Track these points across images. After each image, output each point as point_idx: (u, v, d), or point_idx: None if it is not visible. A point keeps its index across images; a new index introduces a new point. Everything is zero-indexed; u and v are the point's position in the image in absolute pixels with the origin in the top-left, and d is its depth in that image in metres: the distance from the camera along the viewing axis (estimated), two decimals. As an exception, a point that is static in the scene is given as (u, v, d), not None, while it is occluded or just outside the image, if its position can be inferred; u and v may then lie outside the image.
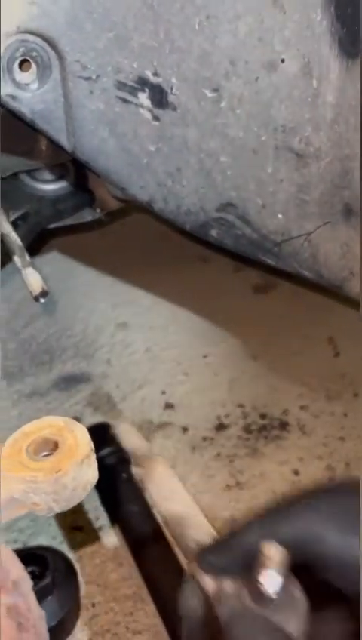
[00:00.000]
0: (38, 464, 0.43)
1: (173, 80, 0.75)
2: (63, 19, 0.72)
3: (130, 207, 1.04)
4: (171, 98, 0.77)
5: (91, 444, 0.45)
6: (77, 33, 0.73)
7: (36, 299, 0.74)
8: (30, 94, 0.76)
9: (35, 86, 0.76)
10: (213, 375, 1.24)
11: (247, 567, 0.39)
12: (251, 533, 0.40)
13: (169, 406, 1.18)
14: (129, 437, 0.68)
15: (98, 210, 1.02)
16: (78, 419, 0.80)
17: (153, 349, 1.30)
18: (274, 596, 0.38)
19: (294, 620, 0.39)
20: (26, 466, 0.43)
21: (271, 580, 0.38)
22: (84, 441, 0.45)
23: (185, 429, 1.12)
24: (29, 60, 0.74)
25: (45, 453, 0.44)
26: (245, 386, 1.18)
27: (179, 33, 0.72)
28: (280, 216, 0.82)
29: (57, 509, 0.44)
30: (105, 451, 0.97)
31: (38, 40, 0.73)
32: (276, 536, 0.39)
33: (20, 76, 0.75)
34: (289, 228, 0.83)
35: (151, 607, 0.79)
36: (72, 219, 1.01)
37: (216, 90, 0.75)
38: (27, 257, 0.76)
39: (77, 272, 1.39)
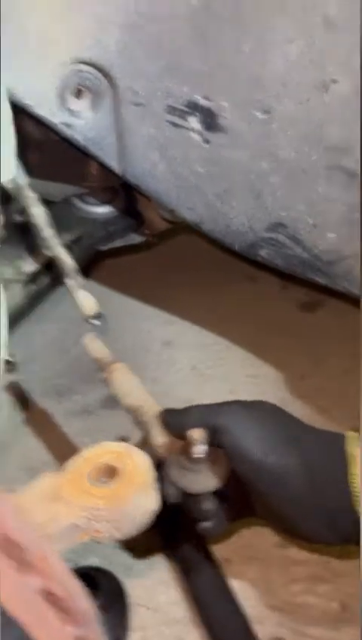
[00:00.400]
0: (99, 491, 0.43)
1: (224, 103, 0.76)
2: (115, 48, 0.74)
3: (178, 228, 1.04)
4: (221, 121, 0.77)
5: (151, 471, 0.46)
6: (128, 61, 0.75)
7: (89, 321, 0.75)
8: (83, 122, 0.78)
9: (88, 114, 0.78)
10: (260, 394, 1.22)
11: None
12: (192, 413, 0.62)
13: (216, 426, 1.17)
14: (93, 346, 0.74)
15: (147, 232, 1.03)
16: (126, 438, 0.81)
17: (199, 367, 1.29)
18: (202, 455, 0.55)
19: (218, 469, 0.55)
20: (87, 492, 0.43)
21: (199, 447, 0.55)
22: (143, 468, 0.45)
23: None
24: (83, 88, 0.76)
25: (105, 479, 0.45)
26: (293, 406, 1.16)
27: (230, 58, 0.73)
28: (331, 235, 0.81)
29: (119, 537, 0.44)
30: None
31: (92, 69, 0.75)
32: (203, 421, 0.59)
33: (75, 105, 0.77)
34: (340, 247, 0.82)
35: (201, 632, 0.78)
36: (122, 240, 1.03)
37: (267, 112, 0.75)
38: (80, 279, 0.77)
39: (125, 292, 1.40)
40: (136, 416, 0.64)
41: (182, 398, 1.23)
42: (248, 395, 1.21)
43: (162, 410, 0.65)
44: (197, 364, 1.28)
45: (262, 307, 1.35)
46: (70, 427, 1.17)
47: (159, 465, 0.53)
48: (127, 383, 0.68)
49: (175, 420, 0.61)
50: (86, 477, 0.44)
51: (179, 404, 1.22)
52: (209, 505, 0.54)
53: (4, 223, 0.92)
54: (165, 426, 0.60)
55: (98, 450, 0.44)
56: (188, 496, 0.54)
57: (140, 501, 0.44)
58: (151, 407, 0.65)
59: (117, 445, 0.46)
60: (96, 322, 0.74)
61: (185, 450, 0.55)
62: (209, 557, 0.74)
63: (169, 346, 1.32)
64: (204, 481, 0.54)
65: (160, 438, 0.57)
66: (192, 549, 0.72)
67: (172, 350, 1.31)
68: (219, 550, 0.79)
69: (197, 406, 0.63)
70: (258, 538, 0.81)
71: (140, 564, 0.88)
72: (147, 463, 0.46)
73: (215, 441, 0.56)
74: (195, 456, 0.54)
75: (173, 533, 0.71)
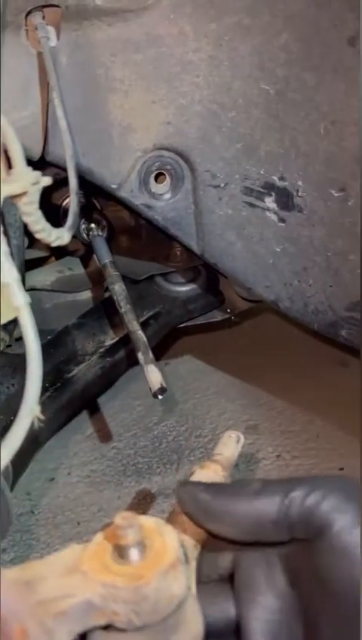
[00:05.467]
0: (120, 568, 0.40)
1: (299, 183, 0.76)
2: (195, 134, 0.78)
3: (261, 307, 1.03)
4: (297, 200, 0.77)
5: (180, 552, 0.42)
6: (207, 146, 0.78)
7: (155, 395, 0.74)
8: (163, 203, 0.82)
9: (168, 196, 0.81)
10: (351, 490, 1.11)
11: None
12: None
13: (300, 520, 1.08)
14: (228, 444, 0.59)
15: (228, 311, 1.03)
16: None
17: (284, 456, 1.22)
18: None
19: None
20: (108, 568, 0.40)
21: None
22: (172, 548, 0.42)
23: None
24: (164, 172, 0.80)
25: (130, 556, 0.41)
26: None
27: (305, 139, 0.74)
28: None
29: (138, 623, 0.40)
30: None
31: (172, 155, 0.79)
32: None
33: (155, 187, 0.81)
34: None
35: None
36: (203, 318, 1.03)
37: (342, 189, 0.74)
38: (150, 355, 0.77)
39: (209, 371, 1.39)
40: None
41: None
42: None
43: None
44: (283, 453, 1.21)
45: (354, 396, 1.26)
46: (145, 509, 1.14)
47: None
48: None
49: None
50: (110, 552, 0.42)
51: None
52: None
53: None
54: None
55: (125, 522, 0.41)
56: None
57: (163, 584, 0.40)
58: None
59: (148, 520, 0.43)
60: (160, 397, 0.73)
61: None
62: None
63: (254, 431, 1.27)
64: None
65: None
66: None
67: (256, 435, 1.26)
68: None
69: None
70: None
71: None
72: (177, 543, 0.42)
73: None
74: None
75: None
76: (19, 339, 0.86)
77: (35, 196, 0.45)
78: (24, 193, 0.45)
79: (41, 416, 0.43)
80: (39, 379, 0.43)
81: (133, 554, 0.41)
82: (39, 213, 0.46)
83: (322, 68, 0.71)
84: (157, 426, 1.32)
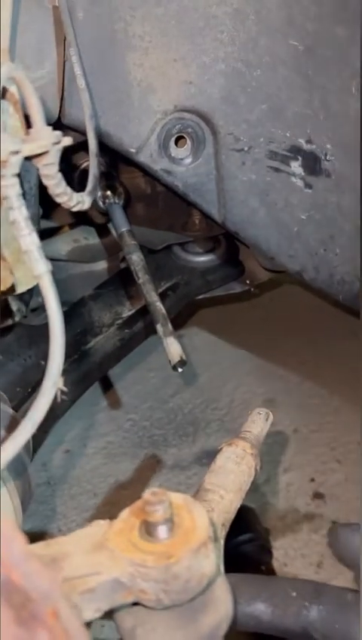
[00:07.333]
0: (149, 546, 0.39)
1: (328, 146, 0.72)
2: (218, 95, 0.74)
3: (281, 278, 1.00)
4: (325, 165, 0.73)
5: (210, 530, 0.40)
6: (231, 107, 0.74)
7: (174, 368, 0.73)
8: (184, 168, 0.78)
9: (188, 160, 0.78)
10: (370, 465, 1.10)
11: None
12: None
13: (318, 496, 1.07)
14: (257, 420, 0.57)
15: (247, 282, 1.00)
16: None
17: (302, 430, 1.21)
18: None
19: None
20: (136, 546, 0.39)
21: None
22: (202, 526, 0.40)
23: (335, 524, 1.00)
24: (185, 136, 0.77)
25: (159, 533, 0.40)
26: None
27: (336, 99, 0.70)
28: None
29: (167, 602, 0.38)
30: (242, 538, 0.89)
31: (194, 117, 0.75)
32: None
33: (176, 152, 0.77)
34: None
35: None
36: (222, 289, 1.01)
37: (374, 153, 0.70)
38: (169, 326, 0.75)
39: (226, 344, 1.37)
40: None
41: (283, 462, 1.15)
42: (357, 466, 1.10)
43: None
44: (301, 427, 1.20)
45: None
46: (162, 481, 1.14)
47: None
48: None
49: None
50: (137, 528, 0.40)
51: (279, 468, 1.14)
52: None
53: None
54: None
55: (155, 498, 0.40)
56: None
57: (194, 562, 0.38)
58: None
59: (177, 497, 0.42)
60: (180, 369, 0.71)
61: None
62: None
63: (271, 404, 1.25)
64: None
65: None
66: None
67: (273, 409, 1.24)
68: None
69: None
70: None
71: None
72: (206, 520, 0.40)
73: None
74: None
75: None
76: (35, 309, 0.84)
77: (55, 157, 0.42)
78: (44, 153, 0.42)
79: (64, 389, 0.41)
80: (62, 351, 0.41)
81: (162, 531, 0.40)
82: (60, 176, 0.43)
83: (355, 21, 0.66)
84: (173, 398, 1.30)
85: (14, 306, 0.74)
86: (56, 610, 0.26)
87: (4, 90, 0.41)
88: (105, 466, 1.18)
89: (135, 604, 0.40)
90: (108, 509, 1.09)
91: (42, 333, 0.86)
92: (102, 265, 1.03)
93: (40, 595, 0.25)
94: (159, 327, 0.76)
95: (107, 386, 1.33)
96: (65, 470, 1.17)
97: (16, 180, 0.39)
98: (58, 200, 0.46)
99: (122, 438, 1.23)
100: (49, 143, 0.42)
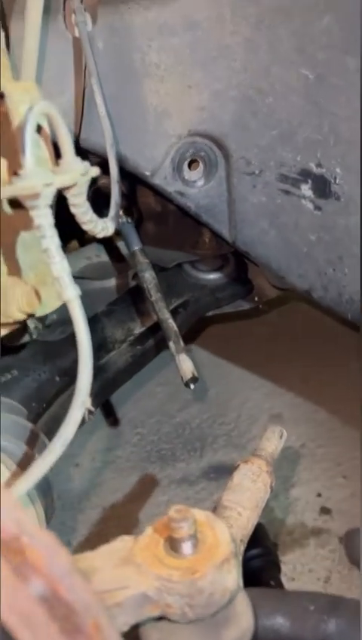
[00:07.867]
0: (174, 561, 0.40)
1: (338, 170, 0.75)
2: (230, 120, 0.76)
3: (288, 296, 1.02)
4: (334, 188, 0.76)
5: (233, 546, 0.42)
6: (242, 132, 0.77)
7: (186, 384, 0.74)
8: (196, 190, 0.81)
9: (201, 183, 0.80)
10: (376, 480, 1.11)
11: None
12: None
13: (325, 511, 1.08)
14: (271, 438, 0.61)
15: (256, 299, 1.02)
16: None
17: (309, 445, 1.22)
18: None
19: None
20: (162, 561, 0.40)
21: None
22: (225, 542, 0.42)
23: (342, 540, 1.01)
24: (198, 159, 0.79)
25: (183, 549, 0.41)
26: None
27: (345, 125, 0.72)
28: None
29: (191, 616, 0.40)
30: (251, 553, 0.90)
31: (207, 141, 0.78)
32: None
33: (189, 174, 0.80)
34: None
35: None
36: (231, 306, 1.03)
37: (382, 177, 0.72)
38: (181, 343, 0.77)
39: (233, 359, 1.39)
40: None
41: (290, 477, 1.16)
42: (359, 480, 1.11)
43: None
44: (307, 442, 1.21)
45: (380, 385, 1.25)
46: (170, 496, 1.15)
47: None
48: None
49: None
50: (162, 544, 0.42)
51: (286, 484, 1.15)
52: None
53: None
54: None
55: (180, 515, 0.41)
56: None
57: (218, 577, 0.40)
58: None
59: (199, 513, 0.43)
60: (192, 386, 0.73)
61: None
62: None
63: (278, 420, 1.26)
64: None
65: None
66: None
67: (280, 424, 1.25)
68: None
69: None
70: None
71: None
72: (228, 536, 0.42)
73: None
74: None
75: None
76: (49, 326, 0.86)
77: (83, 187, 0.44)
78: (73, 184, 0.44)
79: (92, 409, 0.43)
80: (90, 372, 0.43)
81: (187, 547, 0.41)
82: (87, 205, 0.45)
83: (364, 52, 0.69)
84: (180, 412, 1.32)
85: (31, 324, 0.76)
86: (98, 622, 0.27)
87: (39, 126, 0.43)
88: (113, 480, 1.19)
89: (159, 618, 0.41)
90: (117, 523, 1.10)
91: (56, 349, 0.88)
92: (113, 282, 1.05)
93: (83, 607, 0.27)
94: (171, 345, 0.78)
95: (115, 400, 1.34)
96: (74, 484, 1.18)
97: (48, 211, 0.41)
98: (85, 227, 0.48)
99: (130, 453, 1.25)
100: (78, 174, 0.44)
